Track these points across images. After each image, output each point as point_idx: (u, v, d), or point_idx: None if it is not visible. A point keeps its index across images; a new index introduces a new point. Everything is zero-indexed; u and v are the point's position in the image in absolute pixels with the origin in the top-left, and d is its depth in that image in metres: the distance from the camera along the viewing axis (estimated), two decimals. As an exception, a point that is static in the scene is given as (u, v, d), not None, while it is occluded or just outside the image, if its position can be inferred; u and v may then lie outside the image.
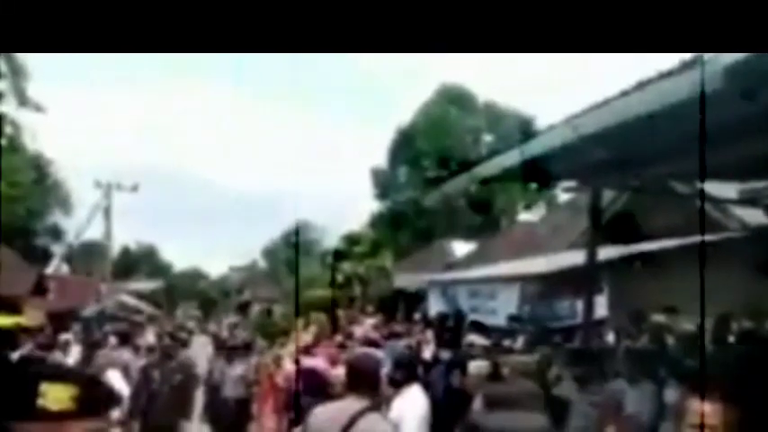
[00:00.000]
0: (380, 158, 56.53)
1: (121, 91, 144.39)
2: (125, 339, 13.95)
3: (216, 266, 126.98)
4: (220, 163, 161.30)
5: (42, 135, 43.93)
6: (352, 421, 4.84)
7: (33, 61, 37.39)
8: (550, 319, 13.73)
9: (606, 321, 13.07)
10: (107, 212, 39.13)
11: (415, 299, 23.56)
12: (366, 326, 15.74)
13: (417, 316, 19.00)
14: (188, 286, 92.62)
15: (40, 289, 30.37)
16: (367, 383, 5.17)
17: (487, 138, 53.62)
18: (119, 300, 41.23)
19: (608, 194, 12.69)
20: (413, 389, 7.30)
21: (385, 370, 6.74)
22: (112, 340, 14.19)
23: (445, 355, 10.43)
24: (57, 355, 13.17)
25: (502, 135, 47.79)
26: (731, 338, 10.63)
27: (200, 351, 20.72)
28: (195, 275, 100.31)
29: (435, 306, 18.21)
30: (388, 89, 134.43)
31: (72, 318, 26.22)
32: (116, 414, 9.12)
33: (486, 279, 17.24)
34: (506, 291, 15.05)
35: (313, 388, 8.53)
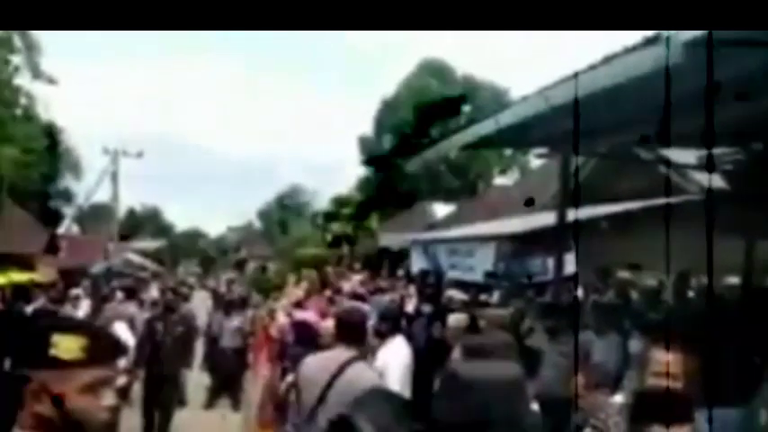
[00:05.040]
0: (367, 127, 56.34)
1: (128, 65, 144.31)
2: (131, 294, 13.94)
3: (214, 227, 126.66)
4: (219, 132, 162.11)
5: (55, 106, 43.56)
6: (341, 369, 4.87)
7: (47, 38, 37.05)
8: (524, 275, 13.73)
9: (575, 277, 13.09)
10: (114, 177, 39.20)
11: (399, 257, 23.53)
12: (353, 282, 15.73)
13: (401, 272, 19.01)
14: (189, 245, 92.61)
15: (52, 248, 30.38)
16: (354, 335, 5.20)
17: (465, 108, 53.41)
18: (125, 257, 41.31)
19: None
20: (396, 340, 7.34)
21: (371, 322, 6.76)
22: (119, 295, 14.20)
23: (426, 308, 10.44)
24: (67, 309, 13.21)
25: (478, 105, 47.56)
26: (690, 294, 10.72)
27: (201, 305, 20.84)
28: (195, 235, 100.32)
29: (417, 263, 18.19)
30: (374, 63, 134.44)
31: (82, 274, 26.16)
32: (122, 363, 9.13)
33: (464, 238, 17.21)
34: (483, 249, 15.03)
35: (304, 339, 8.53)
